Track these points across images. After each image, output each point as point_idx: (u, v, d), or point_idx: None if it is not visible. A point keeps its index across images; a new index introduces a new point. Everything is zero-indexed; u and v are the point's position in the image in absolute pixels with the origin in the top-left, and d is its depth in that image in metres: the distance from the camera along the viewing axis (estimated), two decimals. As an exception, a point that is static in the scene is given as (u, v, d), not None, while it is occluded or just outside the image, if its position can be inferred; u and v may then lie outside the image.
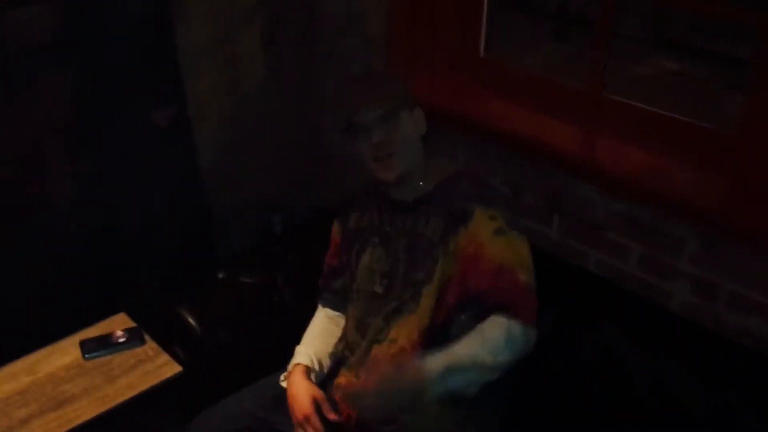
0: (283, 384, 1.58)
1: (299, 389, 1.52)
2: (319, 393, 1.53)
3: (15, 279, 1.94)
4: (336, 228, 1.71)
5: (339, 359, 1.60)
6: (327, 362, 1.61)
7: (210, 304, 1.81)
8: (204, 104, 2.20)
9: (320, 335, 1.66)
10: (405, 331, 1.46)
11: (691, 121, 1.75)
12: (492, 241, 1.41)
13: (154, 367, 1.66)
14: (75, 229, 2.03)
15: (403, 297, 1.48)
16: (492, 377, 1.35)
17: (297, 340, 1.65)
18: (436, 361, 1.30)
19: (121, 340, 1.72)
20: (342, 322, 1.67)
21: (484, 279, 1.40)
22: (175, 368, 1.66)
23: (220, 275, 1.89)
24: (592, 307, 1.67)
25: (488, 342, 1.34)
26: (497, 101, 2.05)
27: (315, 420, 1.48)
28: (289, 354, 1.61)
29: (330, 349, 1.63)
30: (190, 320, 1.75)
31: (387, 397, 1.30)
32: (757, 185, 1.57)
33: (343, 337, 1.61)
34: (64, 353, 1.70)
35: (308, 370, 1.56)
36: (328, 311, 1.72)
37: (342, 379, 1.55)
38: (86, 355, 1.68)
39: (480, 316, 1.39)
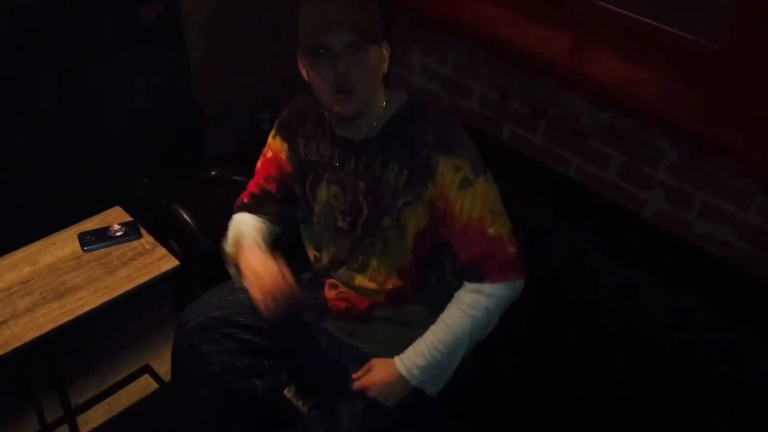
0: (238, 282, 1.48)
1: (263, 260, 1.42)
2: (287, 271, 1.41)
3: (9, 172, 1.97)
4: (284, 150, 1.60)
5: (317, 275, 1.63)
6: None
7: (204, 201, 1.86)
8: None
9: (256, 231, 1.55)
10: (385, 264, 1.50)
11: (678, 33, 1.76)
12: (458, 196, 1.38)
13: (152, 260, 1.71)
14: (65, 124, 2.04)
15: (374, 236, 1.48)
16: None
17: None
18: (415, 363, 1.41)
19: (118, 233, 1.75)
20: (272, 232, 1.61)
21: (454, 237, 1.41)
22: (172, 262, 1.70)
23: (213, 173, 1.92)
24: (569, 213, 1.73)
25: (474, 329, 1.42)
26: (488, 6, 2.04)
27: (295, 290, 1.39)
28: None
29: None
30: (186, 216, 1.80)
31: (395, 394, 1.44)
32: (737, 101, 1.61)
33: (316, 259, 1.61)
34: (63, 245, 1.74)
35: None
36: (262, 221, 1.62)
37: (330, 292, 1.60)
38: (85, 248, 1.72)
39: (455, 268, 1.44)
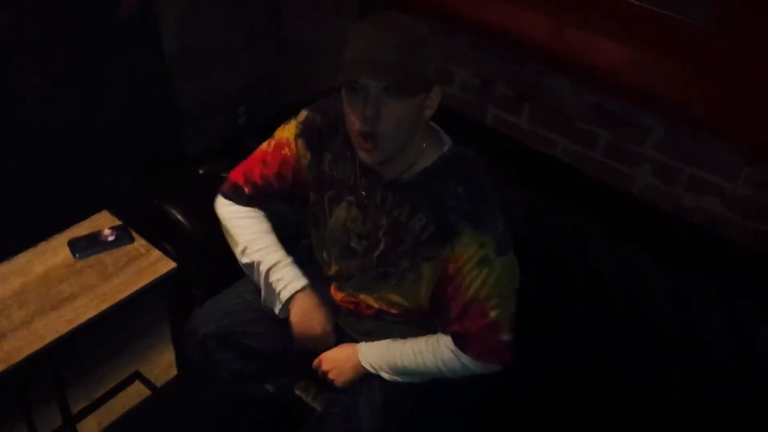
0: (280, 312, 1.52)
1: (310, 309, 1.50)
2: (329, 320, 1.52)
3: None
4: (306, 158, 1.50)
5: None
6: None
7: (195, 200, 1.82)
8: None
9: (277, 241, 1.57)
10: (396, 296, 1.48)
11: (665, 12, 1.76)
12: (472, 271, 1.34)
13: (148, 263, 1.67)
14: (44, 126, 1.97)
15: (387, 269, 1.45)
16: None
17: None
18: (375, 359, 1.47)
19: (110, 238, 1.70)
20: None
21: (454, 305, 1.39)
22: (169, 264, 1.67)
23: (201, 171, 1.89)
24: (561, 194, 1.74)
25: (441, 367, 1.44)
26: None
27: (331, 340, 1.52)
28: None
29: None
30: (178, 216, 1.75)
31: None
32: (724, 80, 1.63)
33: (326, 263, 1.58)
34: (54, 253, 1.68)
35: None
36: (261, 212, 1.58)
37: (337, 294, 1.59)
38: (77, 255, 1.67)
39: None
